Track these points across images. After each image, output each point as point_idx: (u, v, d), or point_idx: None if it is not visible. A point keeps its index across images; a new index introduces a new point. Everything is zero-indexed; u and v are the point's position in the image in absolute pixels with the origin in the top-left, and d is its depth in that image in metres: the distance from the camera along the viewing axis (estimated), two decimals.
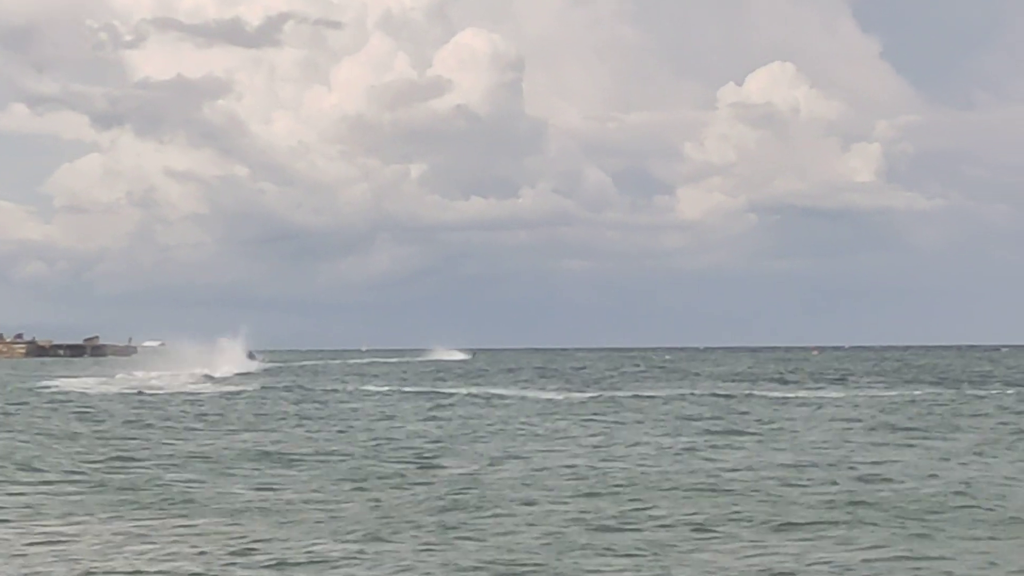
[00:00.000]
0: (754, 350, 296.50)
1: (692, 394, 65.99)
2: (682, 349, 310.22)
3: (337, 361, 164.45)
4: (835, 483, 26.00)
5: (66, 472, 28.85)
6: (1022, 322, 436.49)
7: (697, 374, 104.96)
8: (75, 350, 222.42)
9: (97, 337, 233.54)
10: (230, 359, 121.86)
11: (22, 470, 29.25)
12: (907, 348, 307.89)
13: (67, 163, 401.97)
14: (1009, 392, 67.34)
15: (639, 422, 45.62)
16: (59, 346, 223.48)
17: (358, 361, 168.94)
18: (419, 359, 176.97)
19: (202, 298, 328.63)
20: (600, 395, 66.02)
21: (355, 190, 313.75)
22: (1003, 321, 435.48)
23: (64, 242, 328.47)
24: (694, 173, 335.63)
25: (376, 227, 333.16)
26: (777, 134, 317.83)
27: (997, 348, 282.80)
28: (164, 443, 36.64)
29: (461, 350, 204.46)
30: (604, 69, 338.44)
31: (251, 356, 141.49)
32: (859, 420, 45.71)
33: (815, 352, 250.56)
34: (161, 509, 22.64)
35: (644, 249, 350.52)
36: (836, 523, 20.64)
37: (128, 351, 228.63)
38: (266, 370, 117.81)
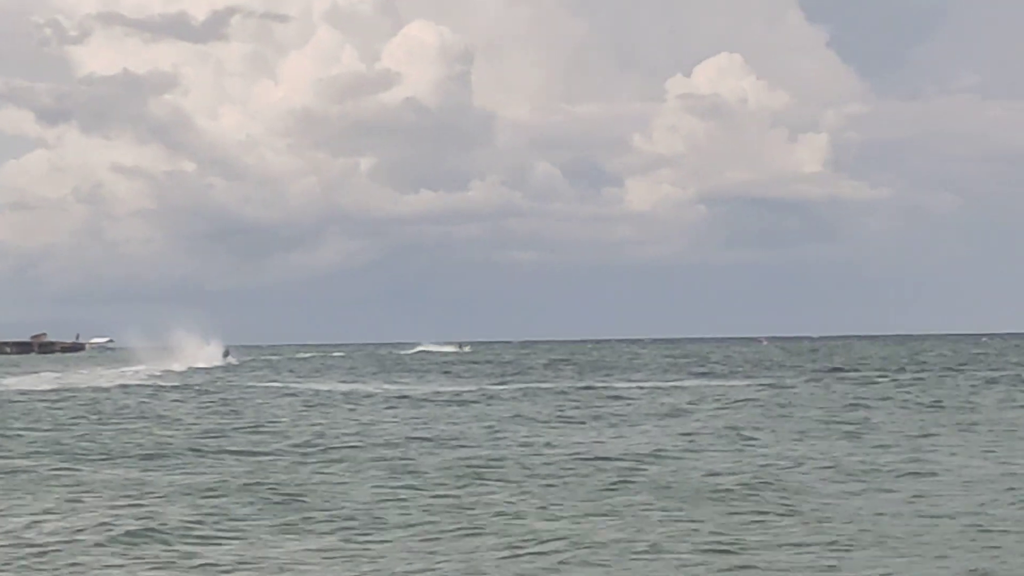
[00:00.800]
0: (702, 341, 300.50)
1: (541, 388, 69.17)
2: (632, 340, 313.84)
3: (276, 357, 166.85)
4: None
5: None
6: (968, 311, 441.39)
7: (573, 365, 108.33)
8: (22, 347, 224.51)
9: (44, 334, 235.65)
10: (194, 355, 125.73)
11: None
12: (859, 338, 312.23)
13: (12, 160, 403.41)
14: (881, 380, 71.06)
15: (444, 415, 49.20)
16: (5, 343, 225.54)
17: (297, 356, 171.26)
18: (404, 352, 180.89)
19: (151, 294, 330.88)
20: (473, 390, 69.17)
21: (304, 183, 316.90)
22: (949, 310, 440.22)
23: (10, 239, 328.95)
24: (643, 164, 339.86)
25: (326, 220, 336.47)
26: (725, 125, 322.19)
27: (935, 336, 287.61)
28: None
29: (451, 343, 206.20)
30: (552, 61, 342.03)
31: (226, 353, 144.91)
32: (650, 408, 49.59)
33: (764, 342, 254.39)
34: None
35: (593, 241, 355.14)
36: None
37: (75, 348, 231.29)
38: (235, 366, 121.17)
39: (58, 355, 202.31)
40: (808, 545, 18.65)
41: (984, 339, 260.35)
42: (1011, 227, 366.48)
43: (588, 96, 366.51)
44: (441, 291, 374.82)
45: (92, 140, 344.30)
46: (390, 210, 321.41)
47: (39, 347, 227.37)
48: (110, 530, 20.30)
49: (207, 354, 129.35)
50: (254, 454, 32.98)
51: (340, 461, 30.59)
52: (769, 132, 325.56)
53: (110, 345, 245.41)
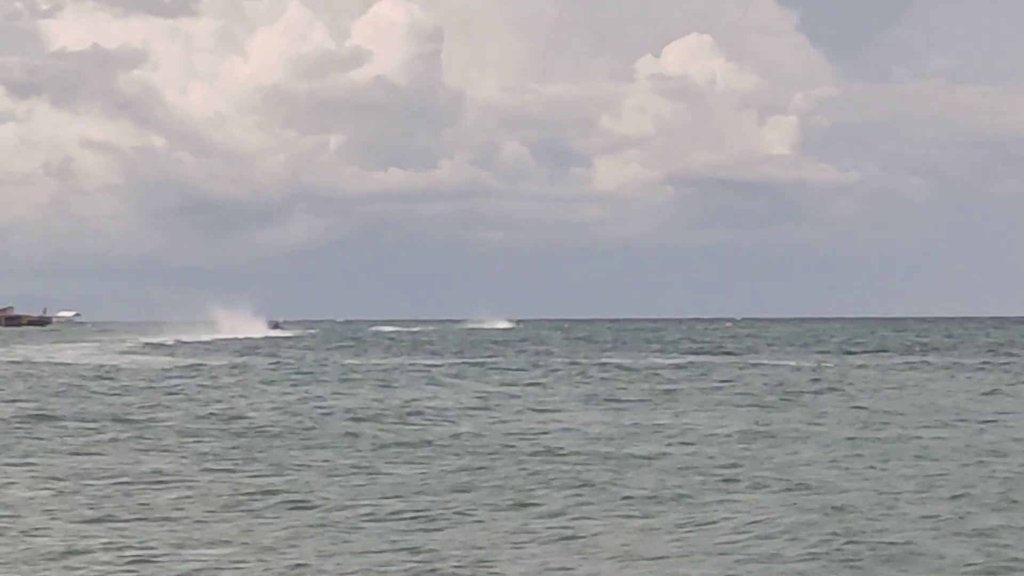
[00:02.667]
0: (668, 321, 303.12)
1: (447, 363, 72.20)
2: (594, 321, 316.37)
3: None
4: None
5: None
6: (935, 294, 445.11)
7: (498, 343, 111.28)
8: None
9: (11, 308, 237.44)
10: (242, 327, 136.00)
11: None
12: (826, 320, 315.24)
13: None
14: (787, 362, 74.03)
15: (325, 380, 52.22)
16: None
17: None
18: (460, 327, 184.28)
19: (119, 269, 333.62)
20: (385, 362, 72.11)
21: (272, 161, 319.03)
22: (916, 293, 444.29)
23: None
24: (611, 145, 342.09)
25: (294, 198, 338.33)
26: (694, 106, 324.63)
27: (906, 319, 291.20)
28: None
29: (508, 319, 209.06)
30: (522, 40, 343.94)
31: (275, 325, 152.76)
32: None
33: (729, 324, 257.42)
34: None
35: (561, 220, 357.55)
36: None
37: (42, 321, 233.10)
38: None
39: (24, 328, 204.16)
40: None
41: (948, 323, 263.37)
42: (980, 212, 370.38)
43: (558, 76, 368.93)
44: (409, 270, 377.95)
45: (62, 114, 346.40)
46: (359, 188, 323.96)
47: (6, 320, 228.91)
48: None
49: (254, 327, 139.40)
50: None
51: None
52: (738, 114, 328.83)
53: (77, 319, 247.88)
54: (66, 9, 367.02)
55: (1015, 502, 19.44)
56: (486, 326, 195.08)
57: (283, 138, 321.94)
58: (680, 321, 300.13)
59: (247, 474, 23.02)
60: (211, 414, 35.64)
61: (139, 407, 37.98)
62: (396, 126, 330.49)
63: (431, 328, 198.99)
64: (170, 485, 21.60)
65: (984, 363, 67.61)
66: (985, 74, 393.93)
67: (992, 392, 44.90)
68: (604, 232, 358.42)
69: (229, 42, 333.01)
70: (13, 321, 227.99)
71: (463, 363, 69.27)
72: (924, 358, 74.75)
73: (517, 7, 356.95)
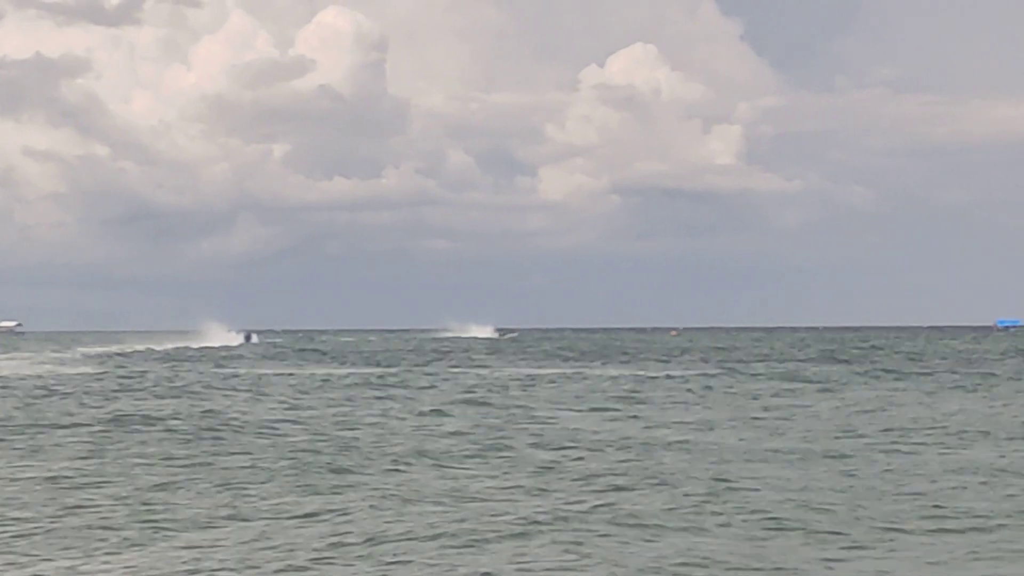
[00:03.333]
0: (614, 331, 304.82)
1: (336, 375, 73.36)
2: (539, 330, 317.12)
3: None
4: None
5: None
6: (880, 303, 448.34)
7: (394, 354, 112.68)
8: None
9: None
10: (220, 338, 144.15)
11: None
12: (770, 329, 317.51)
13: None
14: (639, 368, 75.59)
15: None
16: None
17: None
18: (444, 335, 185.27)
19: (62, 278, 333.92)
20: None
21: (216, 169, 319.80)
22: (862, 302, 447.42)
23: None
24: (556, 154, 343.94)
25: (238, 207, 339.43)
26: (639, 116, 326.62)
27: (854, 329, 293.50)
28: None
29: (494, 328, 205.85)
30: (467, 50, 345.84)
31: (247, 337, 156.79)
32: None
33: (673, 333, 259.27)
34: None
35: (506, 230, 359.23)
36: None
37: None
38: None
39: None
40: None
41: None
42: (923, 221, 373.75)
43: (503, 85, 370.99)
44: (354, 279, 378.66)
45: (4, 123, 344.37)
46: (303, 197, 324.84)
47: None
48: None
49: (229, 338, 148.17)
50: None
51: None
52: (683, 124, 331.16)
53: (19, 329, 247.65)
54: (8, 17, 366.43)
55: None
56: (466, 335, 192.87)
57: (227, 147, 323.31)
58: (626, 330, 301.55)
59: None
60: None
61: None
62: (341, 135, 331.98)
63: (412, 336, 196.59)
64: None
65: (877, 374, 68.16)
66: (929, 84, 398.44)
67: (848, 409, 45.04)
68: (549, 241, 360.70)
69: (172, 51, 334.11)
70: None
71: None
72: (811, 368, 76.51)
73: (462, 17, 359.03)
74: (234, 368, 75.83)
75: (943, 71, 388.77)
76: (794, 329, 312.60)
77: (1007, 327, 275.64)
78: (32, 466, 25.88)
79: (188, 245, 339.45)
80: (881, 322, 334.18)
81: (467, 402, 44.46)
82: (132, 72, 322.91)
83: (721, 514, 19.37)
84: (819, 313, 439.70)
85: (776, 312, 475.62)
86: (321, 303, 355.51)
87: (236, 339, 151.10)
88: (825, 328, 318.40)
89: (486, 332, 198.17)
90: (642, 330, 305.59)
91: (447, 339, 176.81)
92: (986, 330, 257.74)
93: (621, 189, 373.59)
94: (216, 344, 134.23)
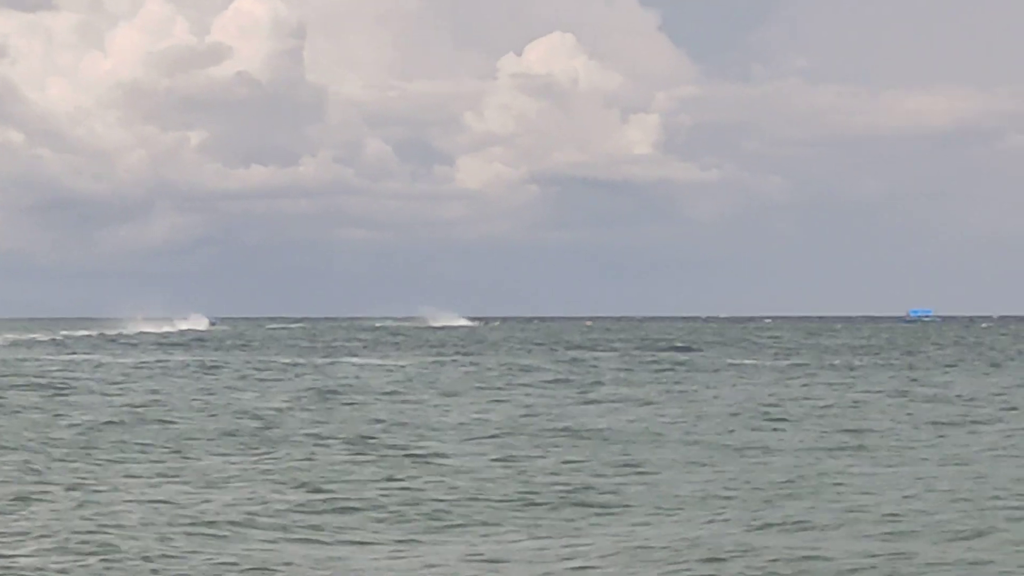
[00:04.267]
0: (529, 320, 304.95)
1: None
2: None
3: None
4: None
5: None
6: (794, 293, 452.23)
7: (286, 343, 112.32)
8: None
9: None
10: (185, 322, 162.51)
11: None
12: (690, 319, 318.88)
13: None
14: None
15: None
16: None
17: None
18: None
19: None
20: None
21: (134, 157, 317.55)
22: (776, 292, 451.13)
23: None
24: (474, 143, 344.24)
25: (155, 194, 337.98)
26: (557, 105, 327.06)
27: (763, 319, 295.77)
28: None
29: (467, 317, 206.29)
30: (386, 38, 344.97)
31: (212, 323, 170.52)
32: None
33: (588, 324, 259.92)
34: None
35: (424, 219, 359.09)
36: None
37: None
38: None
39: None
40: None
41: (767, 320, 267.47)
42: (838, 211, 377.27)
43: (422, 73, 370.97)
44: (271, 267, 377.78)
45: None
46: (220, 185, 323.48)
47: None
48: None
49: (200, 323, 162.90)
50: None
51: None
52: (601, 113, 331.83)
53: None
54: None
55: None
56: (438, 324, 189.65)
57: (144, 134, 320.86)
58: (543, 320, 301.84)
59: None
60: None
61: None
62: (258, 123, 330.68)
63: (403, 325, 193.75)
64: None
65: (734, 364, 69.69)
66: (844, 74, 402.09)
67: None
68: (467, 230, 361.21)
69: (89, 37, 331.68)
70: None
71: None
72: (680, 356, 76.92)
73: (381, 4, 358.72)
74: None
75: (857, 62, 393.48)
76: (707, 319, 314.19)
77: (919, 317, 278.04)
78: None
79: (106, 233, 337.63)
80: (794, 312, 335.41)
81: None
82: (49, 58, 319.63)
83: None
84: (733, 303, 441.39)
85: (690, 302, 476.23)
86: (238, 291, 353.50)
87: (206, 324, 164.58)
88: (731, 318, 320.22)
89: (460, 320, 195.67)
90: (559, 320, 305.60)
91: (384, 328, 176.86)
92: (898, 320, 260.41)
93: (539, 178, 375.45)
94: (185, 327, 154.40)
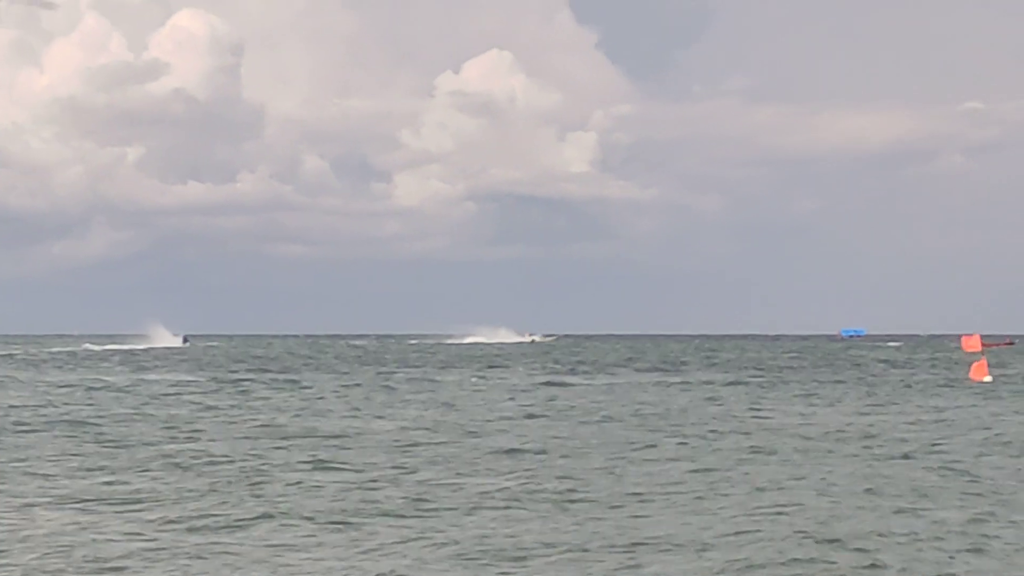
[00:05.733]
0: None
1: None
2: (388, 336, 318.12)
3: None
4: None
5: None
6: (730, 312, 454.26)
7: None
8: None
9: None
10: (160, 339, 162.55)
11: None
12: (622, 336, 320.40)
13: None
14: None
15: None
16: None
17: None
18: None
19: None
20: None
21: (70, 173, 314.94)
22: (713, 310, 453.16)
23: None
24: (412, 160, 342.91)
25: (92, 210, 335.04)
26: (494, 123, 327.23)
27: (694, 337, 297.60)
28: None
29: (530, 334, 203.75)
30: (323, 55, 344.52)
31: (185, 340, 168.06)
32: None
33: (528, 339, 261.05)
34: None
35: (362, 235, 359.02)
36: None
37: None
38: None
39: None
40: None
41: (696, 340, 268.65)
42: (773, 229, 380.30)
43: (359, 91, 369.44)
44: (209, 283, 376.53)
45: None
46: (158, 201, 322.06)
47: None
48: None
49: (173, 340, 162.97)
50: None
51: None
52: (538, 131, 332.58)
53: None
54: None
55: None
56: (495, 341, 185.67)
57: (81, 150, 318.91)
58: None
59: None
60: None
61: None
62: (196, 139, 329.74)
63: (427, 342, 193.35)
64: None
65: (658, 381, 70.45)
66: (782, 94, 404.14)
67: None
68: (405, 247, 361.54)
69: (25, 52, 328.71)
70: None
71: None
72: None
73: (318, 22, 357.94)
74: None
75: (795, 82, 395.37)
76: (636, 336, 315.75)
77: (851, 336, 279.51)
78: None
79: (41, 249, 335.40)
80: (729, 330, 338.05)
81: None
82: None
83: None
84: (670, 320, 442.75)
85: (627, 319, 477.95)
86: (177, 307, 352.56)
87: (178, 342, 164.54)
88: (663, 335, 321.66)
89: (518, 337, 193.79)
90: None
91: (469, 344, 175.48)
92: (831, 339, 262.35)
93: (476, 195, 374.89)
94: (159, 345, 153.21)
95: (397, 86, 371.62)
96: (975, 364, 70.79)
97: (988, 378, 67.13)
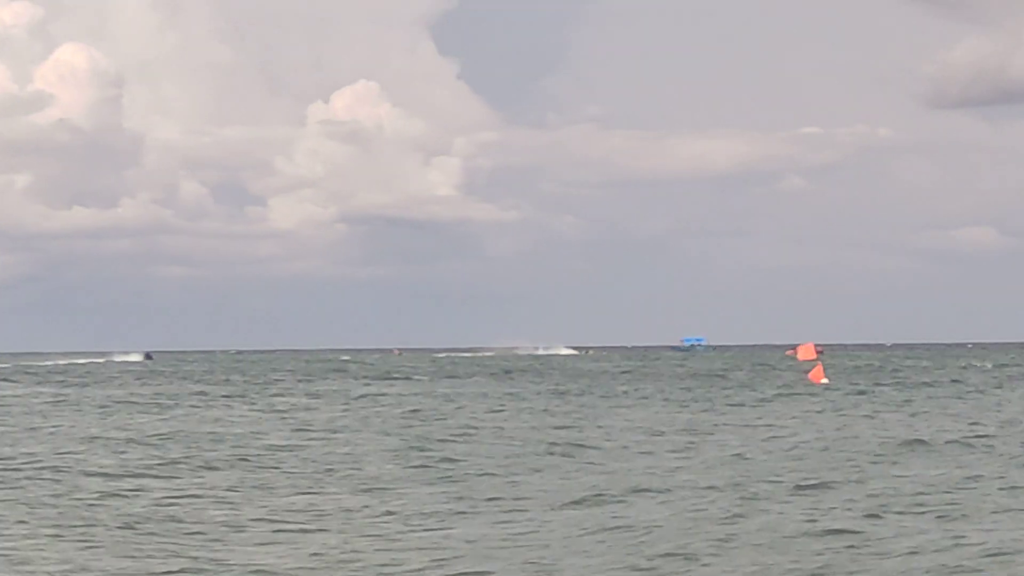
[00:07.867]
0: (342, 351, 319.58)
1: None
2: (272, 351, 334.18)
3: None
4: None
5: None
6: (585, 326, 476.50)
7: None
8: None
9: None
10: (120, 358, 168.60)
11: None
12: (476, 350, 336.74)
13: None
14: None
15: None
16: None
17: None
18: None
19: None
20: None
21: None
22: (570, 324, 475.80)
23: None
24: (286, 185, 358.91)
25: None
26: (363, 149, 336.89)
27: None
28: None
29: (567, 346, 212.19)
30: (201, 86, 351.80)
31: (147, 356, 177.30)
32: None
33: (396, 352, 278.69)
34: None
35: (239, 256, 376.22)
36: None
37: None
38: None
39: None
40: None
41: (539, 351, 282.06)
42: (625, 248, 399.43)
43: (235, 119, 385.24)
44: (93, 303, 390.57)
45: None
46: (43, 226, 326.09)
47: None
48: None
49: (135, 357, 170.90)
50: None
51: None
52: (405, 157, 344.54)
53: None
54: None
55: None
56: (541, 352, 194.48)
57: None
58: (356, 351, 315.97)
59: None
60: None
61: None
62: (80, 167, 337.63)
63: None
64: None
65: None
66: (632, 120, 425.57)
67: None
68: (280, 267, 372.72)
69: None
70: None
71: None
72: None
73: (194, 54, 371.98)
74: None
75: (644, 109, 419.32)
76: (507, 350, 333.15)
77: (692, 345, 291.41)
78: None
79: None
80: (585, 343, 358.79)
81: None
82: None
83: None
84: (531, 335, 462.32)
85: (492, 334, 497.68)
86: (64, 327, 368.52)
87: (139, 358, 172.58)
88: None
89: (567, 350, 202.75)
90: (367, 351, 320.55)
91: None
92: (674, 348, 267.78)
93: (347, 218, 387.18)
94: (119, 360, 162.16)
95: (271, 115, 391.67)
96: (813, 369, 75.80)
97: (825, 380, 70.79)
